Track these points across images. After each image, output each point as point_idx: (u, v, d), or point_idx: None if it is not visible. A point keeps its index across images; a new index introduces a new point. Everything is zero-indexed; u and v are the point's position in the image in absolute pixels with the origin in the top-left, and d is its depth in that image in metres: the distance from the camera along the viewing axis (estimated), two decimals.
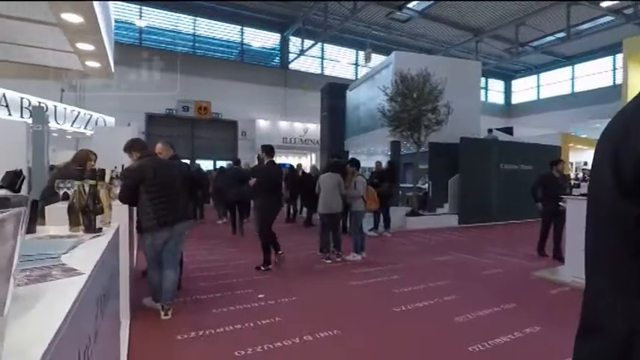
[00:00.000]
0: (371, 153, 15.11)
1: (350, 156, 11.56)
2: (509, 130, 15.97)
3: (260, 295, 4.02)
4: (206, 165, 16.55)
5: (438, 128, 9.67)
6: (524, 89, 26.14)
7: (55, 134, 12.16)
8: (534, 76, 25.33)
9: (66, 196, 2.07)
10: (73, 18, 4.03)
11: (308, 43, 18.73)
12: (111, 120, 14.11)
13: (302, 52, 19.41)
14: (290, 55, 20.52)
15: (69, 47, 5.02)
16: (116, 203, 3.25)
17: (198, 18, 18.64)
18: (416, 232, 8.71)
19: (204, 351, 2.80)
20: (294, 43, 20.28)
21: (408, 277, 4.89)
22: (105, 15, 4.92)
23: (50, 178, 3.89)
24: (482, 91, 21.56)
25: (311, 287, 4.46)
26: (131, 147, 3.50)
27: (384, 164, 9.37)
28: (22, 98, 10.20)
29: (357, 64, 22.00)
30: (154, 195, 3.20)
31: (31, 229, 1.63)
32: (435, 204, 10.75)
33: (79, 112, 13.12)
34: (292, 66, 20.47)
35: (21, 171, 0.90)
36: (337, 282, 4.68)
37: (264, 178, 5.22)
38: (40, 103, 10.89)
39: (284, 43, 20.35)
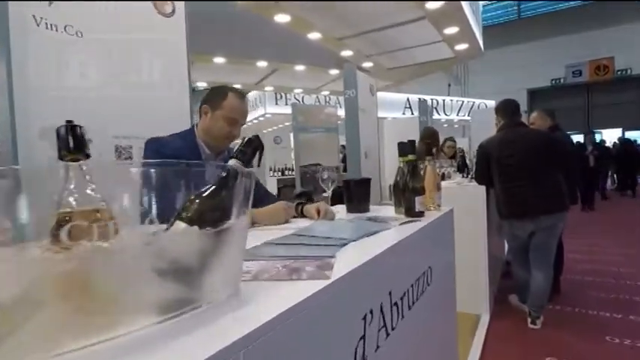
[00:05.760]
0: None
1: None
2: None
3: None
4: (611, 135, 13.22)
5: None
6: None
7: (445, 125, 13.85)
8: None
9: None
10: (435, 5, 4.16)
11: None
12: (491, 103, 14.22)
13: None
14: None
15: (439, 37, 5.31)
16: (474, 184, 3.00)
17: None
18: None
19: None
20: None
21: None
22: None
23: None
24: None
25: None
26: (496, 109, 2.85)
27: None
28: (419, 98, 12.26)
29: None
30: (503, 177, 2.61)
31: (364, 209, 1.66)
32: None
33: (463, 102, 14.19)
34: None
35: (258, 146, 0.78)
36: None
37: None
38: (431, 99, 12.78)
39: None
